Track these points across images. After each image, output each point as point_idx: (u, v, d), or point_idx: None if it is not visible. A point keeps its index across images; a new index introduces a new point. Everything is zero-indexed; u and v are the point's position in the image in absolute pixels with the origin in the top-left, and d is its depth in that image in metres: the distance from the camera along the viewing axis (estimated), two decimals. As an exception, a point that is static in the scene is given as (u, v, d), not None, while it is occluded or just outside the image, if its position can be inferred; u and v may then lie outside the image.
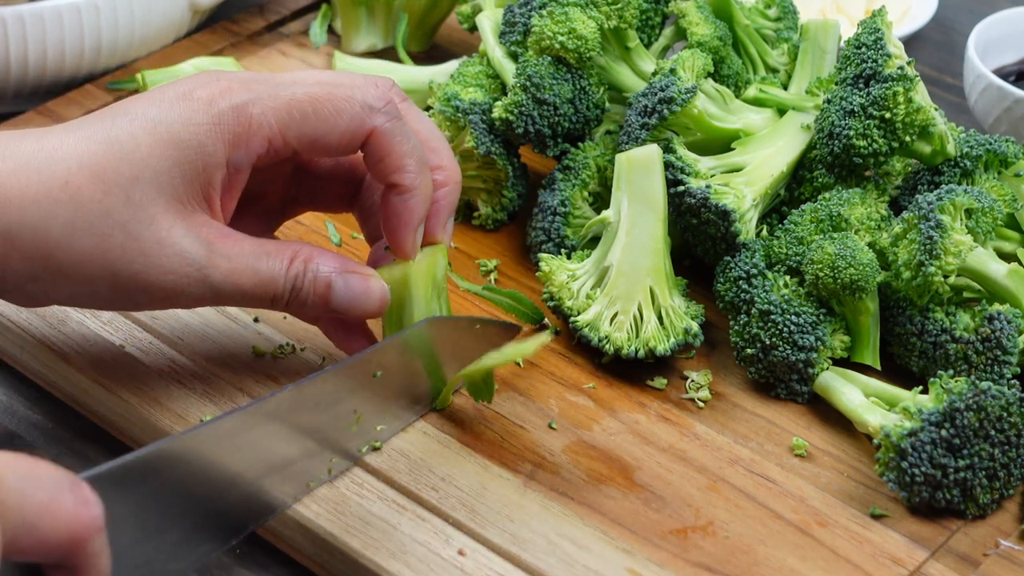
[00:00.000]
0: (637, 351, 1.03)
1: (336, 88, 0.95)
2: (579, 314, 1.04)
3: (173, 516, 0.85)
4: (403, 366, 0.97)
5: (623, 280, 1.03)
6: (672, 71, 1.08)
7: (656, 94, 1.07)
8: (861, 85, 1.06)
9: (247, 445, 0.88)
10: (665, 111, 1.06)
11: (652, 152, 1.04)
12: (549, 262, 1.06)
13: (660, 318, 1.03)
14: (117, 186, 0.91)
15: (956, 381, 0.96)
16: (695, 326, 1.04)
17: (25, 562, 0.73)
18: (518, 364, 1.05)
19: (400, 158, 0.95)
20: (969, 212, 1.01)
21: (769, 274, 1.04)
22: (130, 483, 0.81)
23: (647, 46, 1.20)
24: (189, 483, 0.85)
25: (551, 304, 1.06)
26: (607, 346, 1.03)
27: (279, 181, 1.02)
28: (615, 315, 1.03)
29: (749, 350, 1.03)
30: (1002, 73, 1.32)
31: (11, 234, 0.90)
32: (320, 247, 0.97)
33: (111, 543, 0.76)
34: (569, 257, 1.09)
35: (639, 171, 1.04)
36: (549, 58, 1.12)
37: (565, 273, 1.06)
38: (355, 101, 0.94)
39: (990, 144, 1.08)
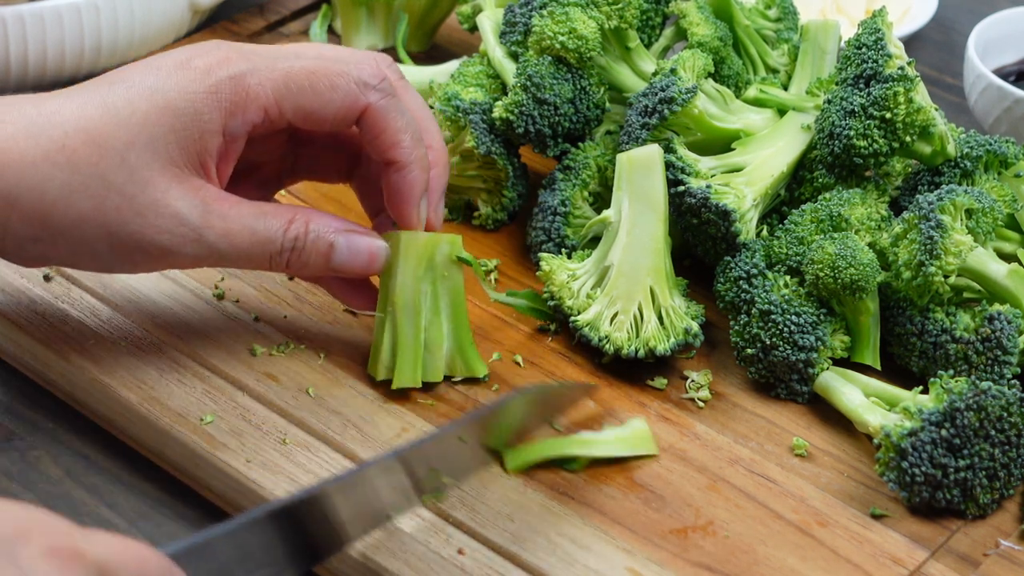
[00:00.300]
0: (637, 351, 1.03)
1: (333, 63, 0.96)
2: (579, 314, 1.04)
3: (256, 559, 0.83)
4: (486, 432, 0.96)
5: (623, 280, 1.03)
6: (672, 71, 1.08)
7: (656, 94, 1.07)
8: (861, 85, 1.06)
9: (328, 514, 0.87)
10: (665, 111, 1.06)
11: (653, 152, 1.04)
12: (549, 261, 1.06)
13: (660, 318, 1.03)
14: (113, 150, 0.92)
15: (956, 381, 0.96)
16: (695, 326, 1.04)
17: None
18: (518, 364, 1.05)
19: (395, 134, 0.97)
20: (969, 212, 1.01)
21: (769, 274, 1.04)
22: (212, 558, 0.79)
23: (647, 46, 1.20)
24: (266, 555, 0.83)
25: (551, 303, 1.06)
26: (607, 346, 1.03)
27: (276, 151, 1.03)
28: (615, 315, 1.03)
29: (749, 350, 1.03)
30: (1002, 73, 1.32)
31: (10, 196, 0.92)
32: (317, 209, 0.99)
33: None
34: (569, 257, 1.09)
35: (640, 171, 1.04)
36: (549, 58, 1.12)
37: (565, 272, 1.06)
38: (350, 77, 0.95)
39: (990, 144, 1.08)
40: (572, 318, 1.04)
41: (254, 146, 1.00)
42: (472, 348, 1.02)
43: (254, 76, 0.94)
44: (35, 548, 0.66)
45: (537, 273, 1.07)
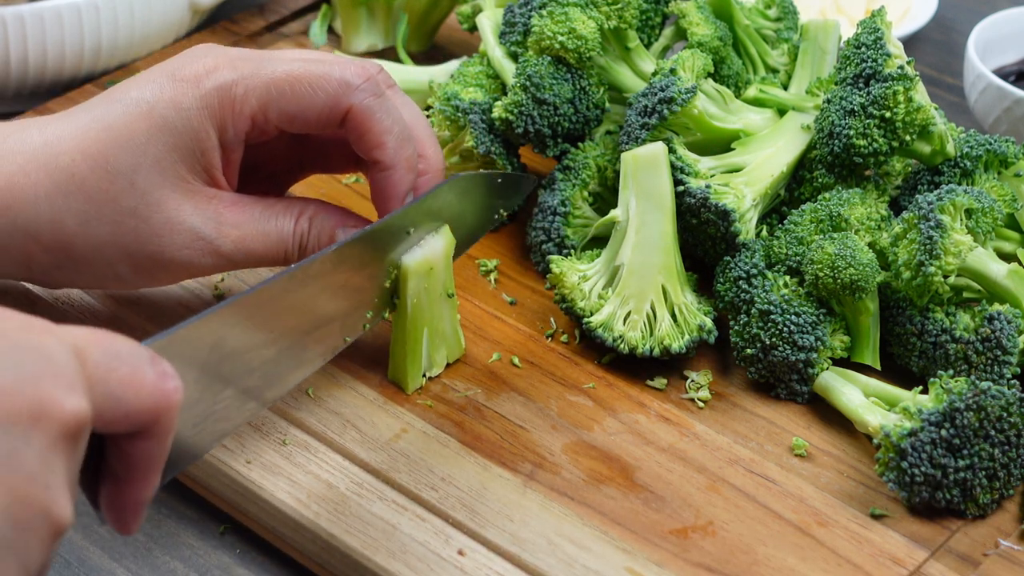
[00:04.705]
0: (652, 349, 1.03)
1: (315, 65, 0.97)
2: (592, 315, 1.04)
3: (228, 376, 0.87)
4: (433, 223, 1.00)
5: (635, 279, 1.03)
6: (672, 71, 1.08)
7: (656, 94, 1.07)
8: (861, 85, 1.06)
9: (294, 305, 0.91)
10: (665, 111, 1.06)
11: (658, 150, 1.04)
12: (559, 264, 1.06)
13: (673, 315, 1.03)
14: (120, 174, 0.94)
15: (956, 381, 0.96)
16: (709, 322, 1.04)
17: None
18: (516, 365, 1.05)
19: (379, 135, 0.98)
20: (969, 212, 1.01)
21: (769, 274, 1.04)
22: (191, 348, 0.83)
23: (647, 46, 1.20)
24: (244, 343, 0.88)
25: (563, 306, 1.06)
26: (622, 345, 1.03)
27: (279, 150, 1.04)
28: (628, 314, 1.03)
29: (749, 350, 1.03)
30: (1002, 73, 1.32)
31: (31, 230, 0.95)
32: (325, 201, 1.01)
33: None
34: (568, 256, 1.08)
35: (645, 169, 1.04)
36: (549, 58, 1.12)
37: (576, 274, 1.06)
38: (332, 79, 0.97)
39: (990, 144, 1.08)
40: (585, 319, 1.04)
41: (258, 147, 1.01)
42: (410, 364, 1.02)
43: (240, 86, 0.96)
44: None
45: (548, 276, 1.06)
